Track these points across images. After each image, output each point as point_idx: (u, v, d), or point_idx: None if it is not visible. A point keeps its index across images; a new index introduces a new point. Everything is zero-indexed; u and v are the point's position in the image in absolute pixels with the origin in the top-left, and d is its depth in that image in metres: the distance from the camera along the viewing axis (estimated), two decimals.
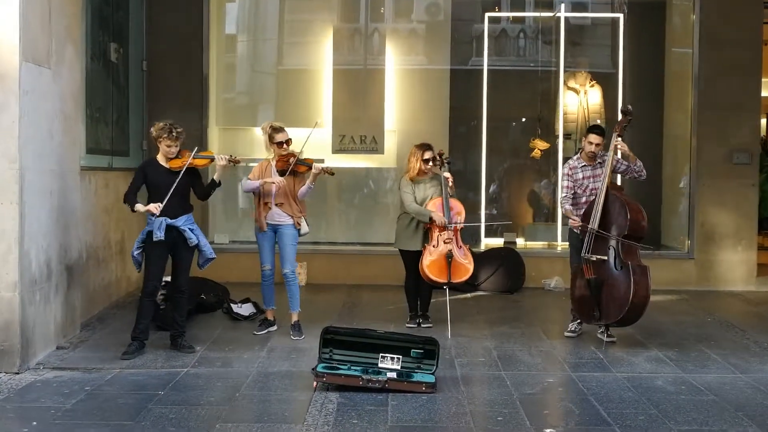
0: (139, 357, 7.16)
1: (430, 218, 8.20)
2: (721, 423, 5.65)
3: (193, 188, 7.43)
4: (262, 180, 7.90)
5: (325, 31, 12.13)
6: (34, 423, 5.50)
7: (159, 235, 7.11)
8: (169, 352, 7.35)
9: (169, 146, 7.24)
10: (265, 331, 8.10)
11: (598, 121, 11.99)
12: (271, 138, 7.96)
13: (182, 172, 7.22)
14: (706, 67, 11.09)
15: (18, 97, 6.61)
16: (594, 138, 7.99)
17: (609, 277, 7.62)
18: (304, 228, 8.06)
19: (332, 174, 8.18)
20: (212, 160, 7.48)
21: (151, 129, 7.34)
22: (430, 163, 8.38)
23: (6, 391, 6.21)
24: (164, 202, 7.11)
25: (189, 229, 7.29)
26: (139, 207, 7.17)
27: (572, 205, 8.05)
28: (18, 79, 6.60)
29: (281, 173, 7.90)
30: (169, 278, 7.68)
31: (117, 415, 5.68)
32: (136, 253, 7.25)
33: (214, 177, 7.48)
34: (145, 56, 10.83)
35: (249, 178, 8.03)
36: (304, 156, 8.02)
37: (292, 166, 7.88)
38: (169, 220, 7.18)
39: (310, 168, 7.96)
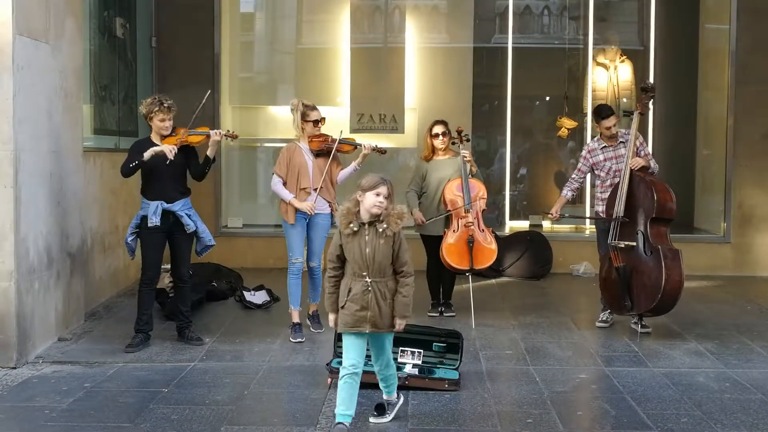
0: (144, 350, 6.76)
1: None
2: None
3: (188, 168, 6.97)
4: (293, 203, 7.13)
5: (343, 8, 11.65)
6: (25, 425, 5.10)
7: (154, 220, 6.68)
8: (176, 344, 6.94)
9: (162, 120, 6.79)
10: (302, 338, 7.15)
11: (625, 100, 11.56)
12: (304, 116, 7.27)
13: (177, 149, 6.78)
14: (745, 39, 10.55)
15: (11, 73, 6.19)
16: (608, 123, 7.57)
17: (639, 263, 7.17)
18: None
19: (383, 153, 7.66)
20: (208, 136, 6.94)
21: (140, 108, 6.90)
22: (440, 137, 7.91)
23: (0, 388, 5.81)
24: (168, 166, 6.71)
25: (186, 214, 6.84)
26: (148, 152, 6.66)
27: (598, 187, 7.69)
28: (11, 54, 6.17)
29: (317, 154, 7.30)
30: (168, 266, 7.23)
31: (115, 417, 5.26)
32: (130, 239, 6.81)
33: (207, 153, 6.96)
34: (154, 32, 10.41)
35: (277, 173, 7.28)
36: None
37: (336, 147, 7.28)
38: (165, 205, 6.74)
39: (356, 147, 7.42)
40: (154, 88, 10.24)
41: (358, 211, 4.93)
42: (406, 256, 4.97)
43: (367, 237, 4.90)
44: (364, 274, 4.90)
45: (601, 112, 7.65)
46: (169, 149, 6.67)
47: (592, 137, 11.44)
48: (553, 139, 12.26)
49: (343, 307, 4.95)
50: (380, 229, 4.88)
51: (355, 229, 4.89)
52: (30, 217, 6.48)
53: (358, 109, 11.25)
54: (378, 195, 4.87)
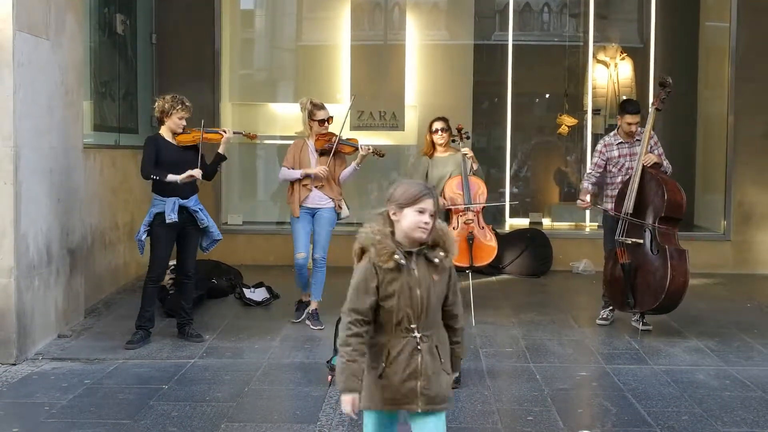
0: (145, 347, 6.75)
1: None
2: None
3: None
4: (303, 171, 7.31)
5: (344, 5, 11.63)
6: (24, 422, 5.09)
7: (173, 216, 6.68)
8: (177, 341, 6.93)
9: (181, 118, 6.81)
10: (305, 315, 7.51)
11: (624, 97, 11.46)
12: (311, 115, 7.36)
13: (199, 147, 6.85)
14: (745, 37, 10.55)
15: (12, 69, 6.17)
16: (631, 119, 7.47)
17: (644, 261, 7.14)
18: (345, 211, 7.49)
19: (382, 156, 7.68)
20: (223, 134, 7.03)
21: (158, 103, 6.87)
22: (439, 133, 7.89)
23: (0, 384, 5.81)
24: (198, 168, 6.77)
25: (199, 209, 6.87)
26: (174, 177, 6.67)
27: (608, 184, 7.58)
28: (11, 50, 6.16)
29: (321, 153, 7.36)
30: (174, 262, 7.23)
31: (115, 413, 5.26)
32: (143, 237, 6.79)
33: (219, 150, 7.02)
34: (154, 29, 10.40)
35: (284, 165, 7.40)
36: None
37: (336, 147, 7.35)
38: (181, 201, 6.75)
39: (356, 149, 7.45)
40: (154, 84, 10.23)
41: (393, 232, 3.43)
42: (459, 295, 3.56)
43: (416, 272, 3.38)
44: (413, 326, 3.37)
45: (627, 106, 7.57)
46: (198, 173, 6.76)
47: (595, 134, 11.50)
48: (553, 137, 12.24)
49: (380, 377, 3.40)
50: (435, 260, 3.40)
51: (402, 261, 3.37)
52: (30, 214, 6.46)
53: (358, 107, 11.23)
54: (422, 212, 3.35)
